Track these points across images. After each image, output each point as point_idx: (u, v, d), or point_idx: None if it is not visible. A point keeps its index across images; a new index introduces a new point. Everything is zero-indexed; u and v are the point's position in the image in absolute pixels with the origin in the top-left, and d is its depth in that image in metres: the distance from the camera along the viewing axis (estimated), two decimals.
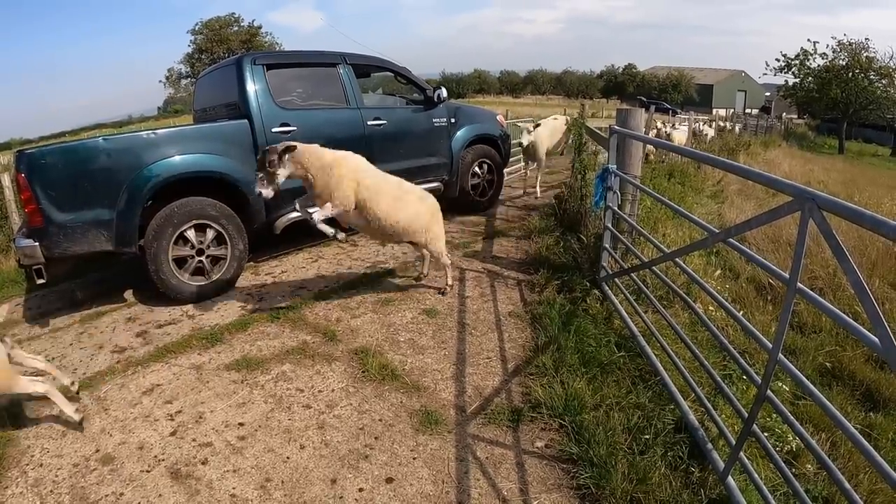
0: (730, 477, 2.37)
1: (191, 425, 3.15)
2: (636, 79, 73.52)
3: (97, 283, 5.63)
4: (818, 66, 36.86)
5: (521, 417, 3.07)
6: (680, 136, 13.31)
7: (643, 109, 5.42)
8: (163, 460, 2.87)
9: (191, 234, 4.71)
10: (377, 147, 5.96)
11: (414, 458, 2.82)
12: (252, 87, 5.17)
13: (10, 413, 3.34)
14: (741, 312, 2.66)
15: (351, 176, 4.04)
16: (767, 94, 62.32)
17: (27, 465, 2.91)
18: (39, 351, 4.14)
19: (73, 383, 3.35)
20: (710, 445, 2.64)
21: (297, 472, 2.75)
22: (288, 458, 2.86)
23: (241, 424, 3.13)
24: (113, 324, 4.54)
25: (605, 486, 2.50)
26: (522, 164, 7.53)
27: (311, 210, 4.21)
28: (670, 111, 42.74)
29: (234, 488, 2.66)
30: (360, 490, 2.62)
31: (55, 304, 5.12)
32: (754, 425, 2.20)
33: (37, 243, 4.15)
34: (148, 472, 2.79)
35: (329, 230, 4.20)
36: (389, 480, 2.67)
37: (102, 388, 3.58)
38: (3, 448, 3.03)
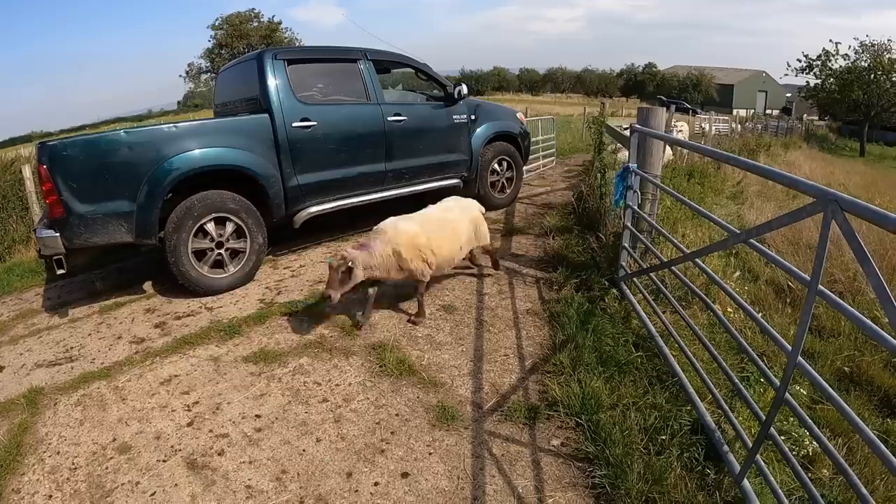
0: (745, 479, 2.36)
1: (208, 416, 3.18)
2: (656, 78, 72.78)
3: (117, 274, 5.71)
4: (840, 67, 36.29)
5: (537, 415, 3.06)
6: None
7: (663, 108, 5.37)
8: (179, 450, 2.90)
9: (210, 227, 4.74)
10: (397, 143, 5.97)
11: (430, 454, 2.82)
12: (273, 82, 5.19)
13: (27, 401, 3.39)
14: (760, 314, 2.63)
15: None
16: (788, 94, 61.61)
17: (44, 452, 2.96)
18: (58, 340, 4.21)
19: None
20: (726, 447, 2.62)
21: (312, 465, 2.77)
22: (304, 450, 2.87)
23: (257, 416, 3.16)
24: (132, 315, 4.59)
25: (621, 486, 2.49)
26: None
27: None
28: (690, 111, 42.32)
29: (249, 479, 2.69)
30: (376, 484, 2.63)
31: (75, 295, 5.20)
32: (771, 428, 2.18)
33: (57, 234, 4.21)
34: (164, 461, 2.83)
35: None
36: (405, 475, 2.68)
37: (120, 378, 3.62)
38: (21, 435, 3.09)
